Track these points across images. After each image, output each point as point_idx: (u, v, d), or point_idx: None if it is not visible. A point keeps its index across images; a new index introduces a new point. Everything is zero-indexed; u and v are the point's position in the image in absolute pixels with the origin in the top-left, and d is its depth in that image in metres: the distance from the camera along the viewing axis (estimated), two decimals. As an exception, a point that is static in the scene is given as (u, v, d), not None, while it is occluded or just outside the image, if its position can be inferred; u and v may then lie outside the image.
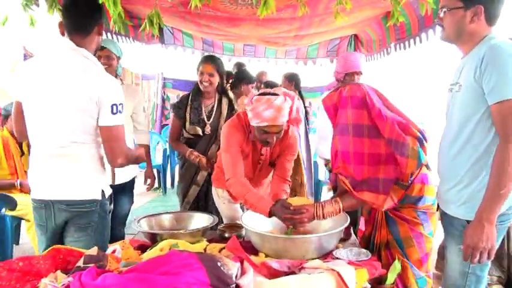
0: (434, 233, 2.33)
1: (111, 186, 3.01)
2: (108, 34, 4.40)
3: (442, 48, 4.27)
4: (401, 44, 4.96)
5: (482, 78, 1.68)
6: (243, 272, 1.59)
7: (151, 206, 5.87)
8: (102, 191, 2.16)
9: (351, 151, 2.13)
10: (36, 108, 2.06)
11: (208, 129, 3.29)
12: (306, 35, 5.81)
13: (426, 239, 2.26)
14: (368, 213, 2.44)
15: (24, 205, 3.65)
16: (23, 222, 3.90)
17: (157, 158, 6.87)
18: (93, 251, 1.67)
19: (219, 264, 1.46)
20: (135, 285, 1.28)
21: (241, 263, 1.66)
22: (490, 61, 1.65)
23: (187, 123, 3.29)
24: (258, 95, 2.37)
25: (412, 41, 4.69)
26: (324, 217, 2.23)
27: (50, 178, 2.09)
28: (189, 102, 3.35)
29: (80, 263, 1.59)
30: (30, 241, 3.78)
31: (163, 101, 7.97)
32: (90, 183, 2.12)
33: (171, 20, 5.13)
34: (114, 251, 1.88)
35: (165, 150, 6.63)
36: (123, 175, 3.22)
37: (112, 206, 2.58)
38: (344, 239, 2.38)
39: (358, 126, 2.11)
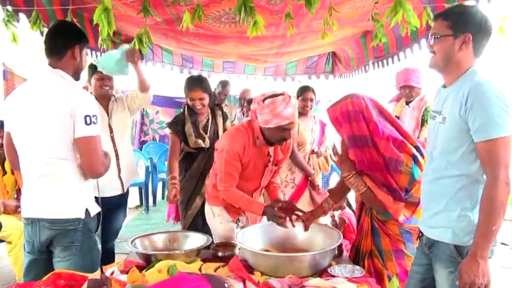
0: None
1: (115, 197, 3.10)
2: (88, 50, 4.36)
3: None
4: (380, 62, 5.10)
5: (467, 116, 1.73)
6: (246, 293, 1.60)
7: (134, 224, 5.76)
8: (87, 210, 2.19)
9: (365, 159, 2.26)
10: (21, 132, 2.16)
11: (207, 142, 3.32)
12: (286, 52, 5.90)
13: (407, 257, 2.35)
14: (357, 221, 2.58)
15: (6, 227, 3.56)
16: (2, 244, 3.79)
17: (139, 175, 6.79)
18: (96, 274, 1.66)
19: (226, 285, 1.48)
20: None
21: (244, 282, 1.68)
22: (475, 100, 1.70)
23: (192, 137, 3.31)
24: (268, 97, 2.43)
25: (390, 59, 4.84)
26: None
27: (36, 196, 2.17)
28: (187, 117, 3.37)
29: (84, 287, 1.57)
30: (11, 264, 3.66)
31: (142, 117, 7.90)
32: (73, 201, 2.16)
33: (153, 36, 5.13)
34: (112, 273, 1.87)
35: (147, 168, 6.54)
36: (128, 182, 3.35)
37: (99, 226, 2.62)
38: (336, 256, 2.41)
39: (363, 137, 2.24)
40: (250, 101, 4.78)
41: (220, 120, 3.47)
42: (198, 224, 3.30)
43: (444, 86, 1.93)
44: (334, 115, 2.33)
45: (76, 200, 2.17)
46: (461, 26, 1.79)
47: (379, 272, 2.40)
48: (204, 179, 3.31)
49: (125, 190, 3.35)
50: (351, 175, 2.33)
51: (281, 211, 2.50)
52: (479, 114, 1.68)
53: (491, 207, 1.67)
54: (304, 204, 3.84)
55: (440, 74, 1.94)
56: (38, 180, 2.15)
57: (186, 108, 3.40)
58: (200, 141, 3.29)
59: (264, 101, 2.43)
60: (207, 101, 3.34)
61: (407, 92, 4.44)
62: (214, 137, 3.36)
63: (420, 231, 2.05)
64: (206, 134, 3.35)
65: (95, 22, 2.33)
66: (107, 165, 2.25)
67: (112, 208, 3.31)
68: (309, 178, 4.01)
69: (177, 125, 3.35)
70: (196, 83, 3.38)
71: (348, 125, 2.27)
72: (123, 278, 1.86)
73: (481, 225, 1.70)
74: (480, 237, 1.70)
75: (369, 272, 2.37)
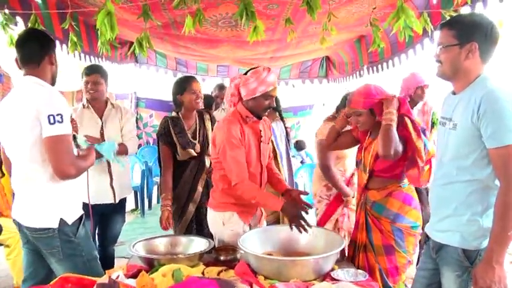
0: (409, 254, 2.55)
1: (109, 205, 3.11)
2: (81, 54, 4.33)
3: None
4: (374, 67, 5.14)
5: (480, 123, 1.74)
6: (255, 297, 1.61)
7: (130, 228, 5.73)
8: (61, 219, 2.17)
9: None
10: (4, 139, 2.24)
11: (198, 148, 3.26)
12: (281, 57, 5.93)
13: (398, 254, 2.50)
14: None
15: (5, 230, 3.53)
16: (0, 248, 3.75)
17: (135, 179, 6.75)
18: (105, 278, 1.65)
19: (236, 289, 1.48)
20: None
21: (251, 287, 1.68)
22: (488, 108, 1.71)
23: (179, 149, 3.23)
24: (248, 71, 2.56)
25: (384, 64, 4.88)
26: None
27: (18, 201, 2.25)
28: (171, 129, 3.26)
29: (93, 292, 1.57)
30: (10, 268, 3.63)
31: (136, 120, 7.86)
32: (45, 210, 2.16)
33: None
34: (117, 278, 1.86)
35: (142, 171, 6.52)
36: (121, 193, 3.32)
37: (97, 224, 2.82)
38: (338, 259, 2.42)
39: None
40: (222, 87, 4.81)
41: (208, 124, 3.43)
42: (192, 229, 3.29)
43: (453, 93, 1.95)
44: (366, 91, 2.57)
45: (49, 209, 2.16)
46: (467, 35, 1.81)
47: (371, 266, 2.54)
48: (197, 185, 3.28)
49: (116, 200, 3.29)
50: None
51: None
52: (492, 121, 1.70)
53: (506, 213, 1.69)
54: (328, 226, 3.46)
55: (449, 81, 1.96)
56: (21, 184, 2.21)
57: (167, 120, 3.31)
58: (191, 150, 3.23)
59: (246, 73, 2.53)
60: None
61: (419, 93, 4.28)
62: (205, 141, 3.32)
63: (426, 236, 2.07)
64: (196, 139, 3.29)
65: (98, 26, 2.33)
66: (81, 166, 2.20)
67: (108, 214, 3.30)
68: (344, 198, 3.50)
69: (167, 136, 3.24)
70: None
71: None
72: (129, 282, 1.86)
73: (495, 230, 1.72)
74: (495, 242, 1.71)
75: (363, 265, 2.53)
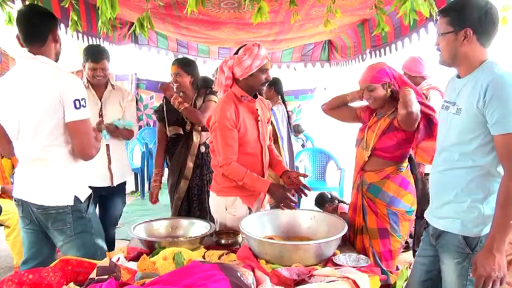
0: (403, 239, 2.59)
1: (107, 188, 3.11)
2: (79, 34, 4.25)
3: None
4: (377, 51, 5.08)
5: (485, 109, 1.71)
6: (257, 281, 1.60)
7: (130, 210, 5.71)
8: (76, 197, 2.22)
9: None
10: (12, 121, 2.18)
11: (188, 126, 3.40)
12: (283, 40, 5.86)
13: (392, 238, 2.54)
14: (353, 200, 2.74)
15: (4, 211, 3.53)
16: (0, 229, 3.76)
17: (135, 161, 6.75)
18: (105, 262, 1.64)
19: (238, 274, 1.47)
20: (162, 298, 1.27)
21: (253, 271, 1.67)
22: (494, 94, 1.68)
23: (167, 125, 3.42)
24: (238, 50, 2.56)
25: (388, 48, 4.81)
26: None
27: (26, 179, 2.22)
28: (164, 105, 3.47)
29: (93, 275, 1.56)
30: (9, 248, 3.64)
31: (137, 102, 7.80)
32: (61, 189, 2.20)
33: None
34: (118, 260, 1.85)
35: (142, 153, 6.51)
36: (119, 177, 3.31)
37: (97, 206, 2.92)
38: (340, 244, 2.41)
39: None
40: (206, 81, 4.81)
41: (199, 103, 3.49)
42: (184, 208, 3.41)
43: (458, 77, 1.92)
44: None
45: (65, 188, 2.21)
46: (460, 21, 1.79)
47: (366, 249, 2.58)
48: (187, 160, 3.39)
49: (114, 183, 3.27)
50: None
51: (289, 186, 2.57)
52: (498, 107, 1.67)
53: (508, 200, 1.67)
54: None
55: (452, 68, 1.93)
56: (30, 164, 2.19)
57: (166, 98, 3.48)
58: (179, 127, 3.41)
59: (237, 53, 2.53)
60: (184, 80, 3.41)
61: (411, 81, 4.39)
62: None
63: (426, 222, 2.05)
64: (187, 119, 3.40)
65: (98, 4, 2.27)
66: (98, 147, 2.29)
67: (107, 197, 3.30)
68: None
69: (161, 112, 3.47)
70: (177, 60, 3.57)
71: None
72: (130, 265, 1.85)
73: (497, 218, 1.70)
74: (496, 230, 1.70)
75: (360, 248, 2.59)
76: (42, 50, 2.16)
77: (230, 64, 2.52)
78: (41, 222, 2.23)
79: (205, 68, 6.56)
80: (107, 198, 3.32)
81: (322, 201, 4.29)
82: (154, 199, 3.49)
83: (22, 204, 2.23)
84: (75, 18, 3.22)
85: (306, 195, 2.59)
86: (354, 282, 1.60)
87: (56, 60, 2.27)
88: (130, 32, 2.86)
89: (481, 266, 1.71)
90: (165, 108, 3.45)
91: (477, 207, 1.79)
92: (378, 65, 2.63)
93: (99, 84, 3.26)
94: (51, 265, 1.68)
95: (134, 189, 6.84)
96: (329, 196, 4.32)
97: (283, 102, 4.45)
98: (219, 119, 2.49)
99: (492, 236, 1.71)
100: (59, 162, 2.17)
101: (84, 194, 2.29)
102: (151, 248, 2.25)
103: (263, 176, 2.67)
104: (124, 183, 3.45)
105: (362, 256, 2.21)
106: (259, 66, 2.49)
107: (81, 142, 2.15)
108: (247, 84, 2.55)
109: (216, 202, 2.69)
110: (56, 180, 2.18)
